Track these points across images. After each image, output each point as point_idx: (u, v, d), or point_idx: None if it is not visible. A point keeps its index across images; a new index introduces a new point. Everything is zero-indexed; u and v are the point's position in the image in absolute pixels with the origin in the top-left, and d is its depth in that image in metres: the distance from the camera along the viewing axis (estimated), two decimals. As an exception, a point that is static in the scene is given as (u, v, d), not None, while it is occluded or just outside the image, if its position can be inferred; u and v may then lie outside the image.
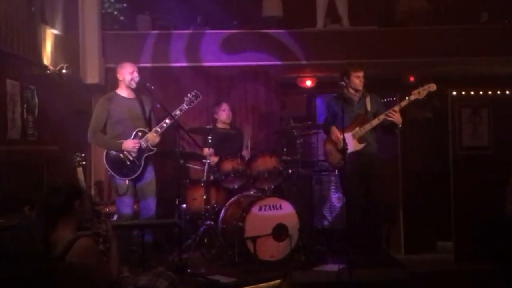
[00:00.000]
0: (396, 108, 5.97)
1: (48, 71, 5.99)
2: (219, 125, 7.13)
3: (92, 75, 7.01)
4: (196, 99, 5.98)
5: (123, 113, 5.86)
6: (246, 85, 7.97)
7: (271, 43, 7.46)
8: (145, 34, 7.45)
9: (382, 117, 6.00)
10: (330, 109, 6.36)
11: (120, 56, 7.05)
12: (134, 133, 5.82)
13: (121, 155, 5.78)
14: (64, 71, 6.11)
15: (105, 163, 5.82)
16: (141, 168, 5.81)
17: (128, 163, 5.78)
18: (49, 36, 6.07)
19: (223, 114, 7.11)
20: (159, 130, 5.83)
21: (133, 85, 5.89)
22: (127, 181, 5.79)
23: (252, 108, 7.96)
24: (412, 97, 5.95)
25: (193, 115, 7.55)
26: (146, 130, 5.86)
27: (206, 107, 7.64)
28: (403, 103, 5.98)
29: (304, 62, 7.52)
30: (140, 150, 5.80)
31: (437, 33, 7.57)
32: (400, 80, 8.27)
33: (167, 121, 5.81)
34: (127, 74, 5.87)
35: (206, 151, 6.61)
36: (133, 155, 5.78)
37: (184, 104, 5.91)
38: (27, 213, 4.55)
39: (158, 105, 5.94)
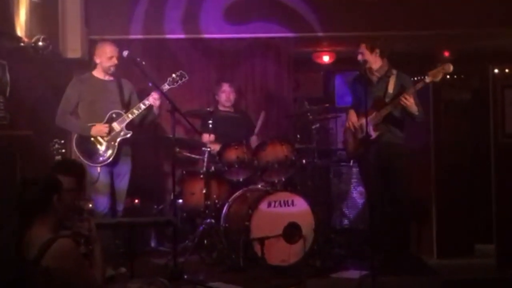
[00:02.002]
0: (410, 92, 5.88)
1: (22, 44, 5.99)
2: (221, 107, 7.12)
3: (73, 49, 6.97)
4: (181, 80, 6.22)
5: (96, 95, 6.14)
6: (253, 61, 7.92)
7: (283, 12, 7.40)
8: (136, 1, 7.39)
9: (397, 101, 5.92)
10: (351, 91, 6.34)
11: (106, 26, 7.07)
12: (107, 115, 6.05)
13: (92, 139, 6.02)
14: (40, 43, 6.10)
15: (75, 148, 6.05)
16: (114, 154, 6.03)
17: (99, 147, 6.02)
18: (23, 3, 6.03)
19: (223, 96, 7.19)
20: (136, 112, 6.07)
21: (111, 70, 6.16)
22: (98, 169, 6.00)
23: (261, 88, 7.91)
24: (428, 80, 5.90)
25: (191, 96, 7.51)
26: (121, 112, 6.10)
27: (206, 87, 7.61)
28: (418, 86, 5.92)
29: (321, 34, 7.47)
30: (114, 134, 6.02)
31: (477, 0, 7.47)
32: (433, 55, 8.19)
33: (146, 102, 6.07)
34: (105, 60, 6.13)
35: (206, 137, 6.60)
36: (105, 139, 6.01)
37: (165, 84, 6.14)
38: None
39: (150, 84, 5.98)
